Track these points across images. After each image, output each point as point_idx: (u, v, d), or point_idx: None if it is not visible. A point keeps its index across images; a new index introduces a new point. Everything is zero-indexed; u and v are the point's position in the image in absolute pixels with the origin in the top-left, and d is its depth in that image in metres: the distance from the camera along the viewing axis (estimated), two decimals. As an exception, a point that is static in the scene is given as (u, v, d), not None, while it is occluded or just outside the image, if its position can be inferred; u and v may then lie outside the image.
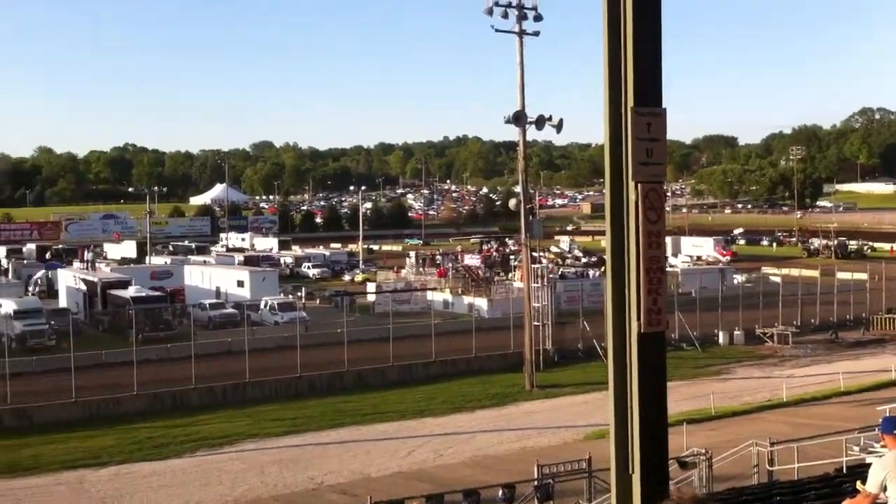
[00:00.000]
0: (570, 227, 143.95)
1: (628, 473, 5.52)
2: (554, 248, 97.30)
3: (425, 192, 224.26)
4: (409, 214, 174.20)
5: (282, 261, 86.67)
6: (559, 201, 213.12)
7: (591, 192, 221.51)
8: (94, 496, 23.17)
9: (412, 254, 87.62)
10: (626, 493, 5.56)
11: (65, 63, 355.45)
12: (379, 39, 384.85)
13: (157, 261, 79.01)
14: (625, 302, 5.49)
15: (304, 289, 63.71)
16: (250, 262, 77.78)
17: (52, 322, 46.08)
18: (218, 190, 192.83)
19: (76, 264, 71.54)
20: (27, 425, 30.55)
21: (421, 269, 77.04)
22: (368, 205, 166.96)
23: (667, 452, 5.68)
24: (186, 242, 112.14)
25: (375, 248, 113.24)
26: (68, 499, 23.07)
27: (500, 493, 16.33)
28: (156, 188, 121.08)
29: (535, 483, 16.78)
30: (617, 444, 5.57)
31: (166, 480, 24.26)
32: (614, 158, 5.50)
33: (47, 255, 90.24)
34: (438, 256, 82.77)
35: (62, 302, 56.84)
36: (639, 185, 5.36)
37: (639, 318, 5.39)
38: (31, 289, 62.28)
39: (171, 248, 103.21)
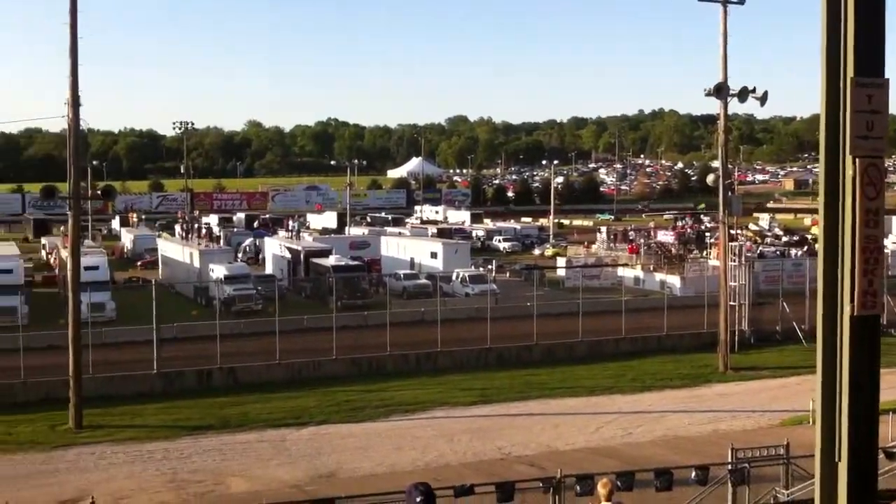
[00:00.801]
0: (770, 204, 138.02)
1: (834, 461, 5.34)
2: (753, 226, 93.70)
3: (618, 166, 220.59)
4: (601, 189, 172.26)
5: (473, 234, 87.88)
6: (759, 177, 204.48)
7: (795, 168, 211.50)
8: (294, 454, 24.40)
9: (603, 229, 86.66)
10: (832, 482, 5.37)
11: (272, 42, 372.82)
12: (573, 11, 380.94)
13: (356, 231, 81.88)
14: (837, 283, 5.28)
15: (494, 262, 64.36)
16: (443, 234, 79.32)
17: (259, 287, 48.69)
18: (414, 163, 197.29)
19: (281, 233, 75.13)
20: (235, 384, 32.47)
21: (612, 245, 76.11)
22: (560, 179, 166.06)
23: (877, 442, 5.45)
24: (383, 214, 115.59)
25: (566, 222, 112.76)
26: (271, 454, 24.37)
27: (693, 474, 15.94)
28: (355, 161, 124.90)
29: (730, 467, 16.31)
30: (824, 430, 5.38)
31: (361, 442, 25.23)
32: (831, 132, 5.28)
33: (255, 224, 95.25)
34: (630, 232, 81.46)
35: (268, 268, 59.93)
36: (857, 159, 5.14)
37: (852, 301, 5.18)
38: (240, 255, 65.90)
39: (368, 219, 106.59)
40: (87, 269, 37.24)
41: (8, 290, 43.11)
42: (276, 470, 22.82)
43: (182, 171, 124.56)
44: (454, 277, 52.53)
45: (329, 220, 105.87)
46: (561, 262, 65.09)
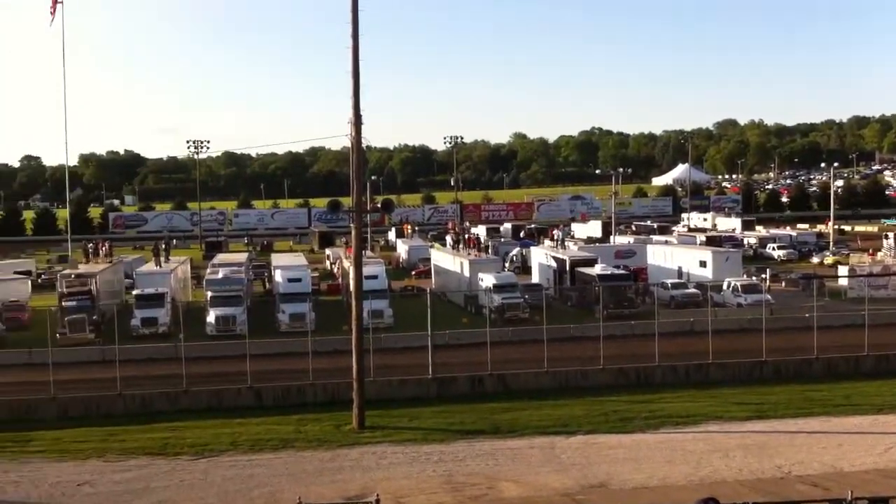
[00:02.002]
0: None
1: None
2: None
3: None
4: (887, 192, 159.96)
5: (745, 241, 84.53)
6: None
7: None
8: (564, 462, 24.54)
9: (891, 235, 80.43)
10: None
11: (535, 54, 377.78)
12: (846, 7, 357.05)
13: (621, 240, 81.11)
14: None
15: (768, 270, 61.53)
16: (712, 242, 76.77)
17: (526, 296, 49.48)
18: (680, 170, 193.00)
19: (547, 242, 75.80)
20: (504, 390, 33.14)
21: (901, 253, 70.48)
22: (840, 182, 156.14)
23: None
24: (648, 222, 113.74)
25: (847, 228, 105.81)
26: (541, 461, 24.64)
27: None
28: (620, 169, 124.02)
29: None
30: None
31: (631, 454, 24.96)
32: None
33: (521, 234, 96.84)
34: (923, 238, 75.07)
35: (534, 277, 60.67)
36: None
37: None
38: (507, 264, 67.23)
39: (633, 227, 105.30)
40: (367, 278, 39.37)
41: (298, 298, 46.68)
42: (547, 477, 23.07)
43: (452, 183, 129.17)
44: (725, 287, 50.81)
45: (594, 229, 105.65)
46: (842, 270, 61.07)
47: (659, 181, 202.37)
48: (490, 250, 74.11)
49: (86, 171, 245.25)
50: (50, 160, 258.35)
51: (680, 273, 57.69)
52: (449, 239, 74.38)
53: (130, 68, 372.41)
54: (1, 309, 48.00)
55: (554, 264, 58.21)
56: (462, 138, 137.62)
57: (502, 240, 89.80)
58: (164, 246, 63.11)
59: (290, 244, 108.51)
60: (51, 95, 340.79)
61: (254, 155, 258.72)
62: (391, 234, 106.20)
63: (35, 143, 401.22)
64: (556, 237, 72.63)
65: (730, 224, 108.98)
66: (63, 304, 46.92)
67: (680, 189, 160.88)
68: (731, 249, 67.46)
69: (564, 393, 32.52)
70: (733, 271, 55.05)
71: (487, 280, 50.30)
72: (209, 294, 48.83)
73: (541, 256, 62.32)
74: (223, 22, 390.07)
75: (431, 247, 75.90)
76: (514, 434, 27.43)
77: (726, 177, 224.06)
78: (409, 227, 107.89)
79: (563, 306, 51.85)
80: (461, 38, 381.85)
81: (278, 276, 53.15)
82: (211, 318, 46.14)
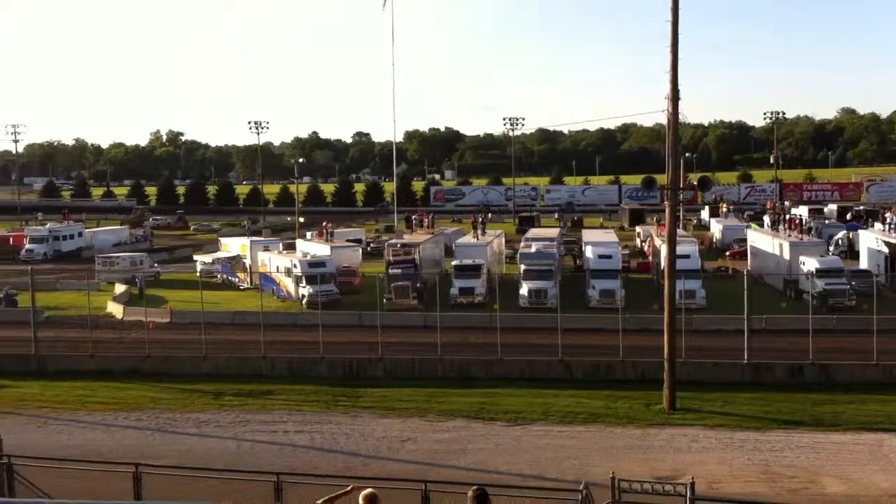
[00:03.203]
0: None
1: None
2: None
3: None
4: None
5: None
6: None
7: None
8: (894, 461, 22.88)
9: None
10: None
11: (870, 25, 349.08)
12: None
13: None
14: None
15: None
16: None
17: (853, 282, 46.35)
18: None
19: (877, 226, 70.27)
20: (827, 381, 31.29)
21: None
22: None
23: None
24: None
25: None
26: (867, 459, 23.17)
27: None
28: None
29: None
30: None
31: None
32: None
33: (848, 216, 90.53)
34: None
35: (862, 263, 56.63)
36: None
37: None
38: (831, 248, 63.22)
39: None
40: (679, 257, 38.61)
41: (608, 275, 46.84)
42: (873, 476, 21.65)
43: (771, 161, 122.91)
44: None
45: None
46: None
47: None
48: (813, 232, 69.97)
49: (409, 146, 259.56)
50: (378, 136, 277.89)
51: None
52: (767, 219, 71.12)
53: (453, 50, 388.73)
54: (336, 273, 52.13)
55: (886, 250, 53.96)
56: (783, 114, 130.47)
57: (826, 222, 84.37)
58: (481, 219, 65.59)
59: (601, 220, 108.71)
60: (381, 77, 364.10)
61: (566, 132, 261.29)
62: (704, 213, 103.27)
63: (365, 121, 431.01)
64: (888, 220, 67.10)
65: None
66: (389, 271, 50.36)
67: None
68: None
69: (894, 388, 30.18)
70: None
71: (810, 264, 47.62)
72: (522, 267, 50.18)
73: (870, 241, 57.97)
74: (539, 4, 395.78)
75: (748, 227, 72.89)
76: (838, 428, 25.95)
77: None
78: (724, 205, 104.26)
79: (894, 295, 47.94)
80: (780, 9, 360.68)
81: (589, 251, 53.50)
82: (524, 290, 47.40)
